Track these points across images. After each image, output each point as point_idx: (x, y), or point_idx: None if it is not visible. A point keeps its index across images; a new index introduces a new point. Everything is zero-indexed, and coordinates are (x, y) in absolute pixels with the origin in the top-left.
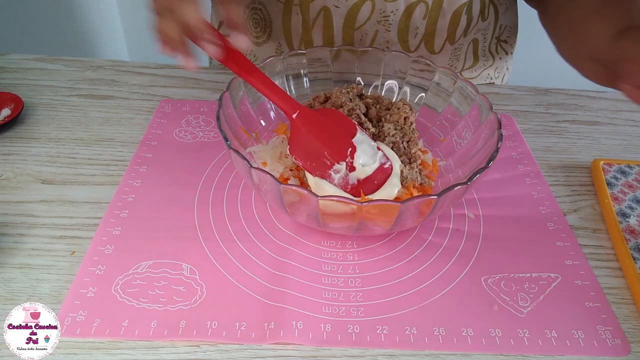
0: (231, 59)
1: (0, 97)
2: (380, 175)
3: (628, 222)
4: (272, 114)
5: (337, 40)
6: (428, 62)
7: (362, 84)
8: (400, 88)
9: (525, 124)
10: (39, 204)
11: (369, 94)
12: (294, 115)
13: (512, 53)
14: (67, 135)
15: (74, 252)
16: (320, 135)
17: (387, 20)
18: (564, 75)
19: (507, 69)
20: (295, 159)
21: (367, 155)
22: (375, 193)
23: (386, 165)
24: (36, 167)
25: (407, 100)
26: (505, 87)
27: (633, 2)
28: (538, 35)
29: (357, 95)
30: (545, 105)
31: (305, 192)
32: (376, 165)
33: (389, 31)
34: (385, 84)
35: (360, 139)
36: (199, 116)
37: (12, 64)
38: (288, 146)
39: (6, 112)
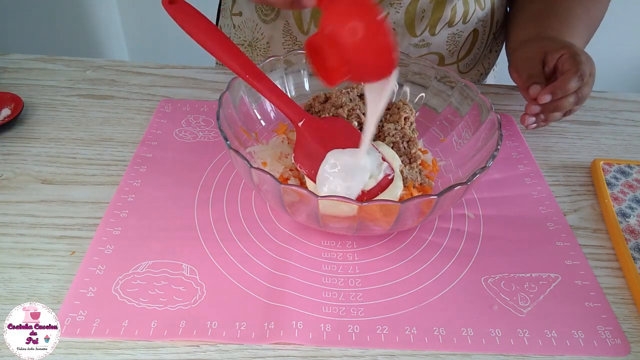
0: (239, 64)
1: (0, 97)
2: (384, 186)
3: (628, 222)
4: (272, 114)
5: None
6: (428, 61)
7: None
8: (400, 87)
9: None
10: (39, 204)
11: None
12: (300, 124)
13: (498, 51)
14: (67, 135)
15: (74, 252)
16: (325, 144)
17: (400, 4)
18: None
19: (496, 65)
20: (300, 168)
21: (372, 167)
22: (379, 195)
23: (390, 177)
24: (36, 167)
25: (407, 100)
26: (505, 87)
27: (550, 18)
28: None
29: (358, 95)
30: None
31: (305, 192)
32: (381, 176)
33: (398, 13)
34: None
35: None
36: (199, 116)
37: (12, 64)
38: (293, 154)
39: (6, 112)
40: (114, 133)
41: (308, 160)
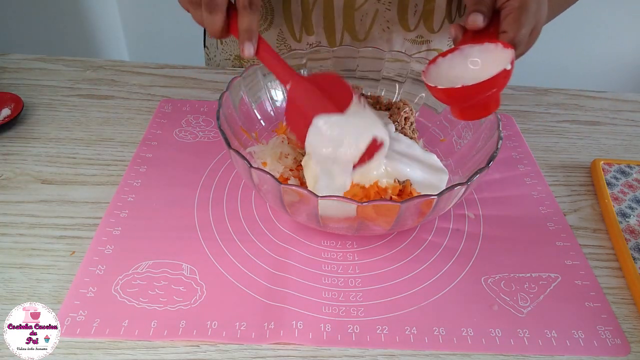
0: (234, 27)
1: (0, 97)
2: (372, 150)
3: (628, 222)
4: (272, 113)
5: (337, 22)
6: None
7: (362, 87)
8: (400, 87)
9: (525, 124)
10: (39, 204)
11: (368, 94)
12: (288, 87)
13: None
14: (67, 135)
15: (74, 252)
16: (314, 106)
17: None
18: (564, 75)
19: None
20: (291, 131)
21: (363, 130)
22: (364, 166)
23: (379, 142)
24: (36, 167)
25: (407, 100)
26: (505, 87)
27: None
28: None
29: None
30: (545, 105)
31: (305, 192)
32: (369, 138)
33: (389, 10)
34: (386, 83)
35: (355, 109)
36: (199, 116)
37: (12, 64)
38: (285, 117)
39: (6, 112)
40: (114, 133)
41: (298, 124)
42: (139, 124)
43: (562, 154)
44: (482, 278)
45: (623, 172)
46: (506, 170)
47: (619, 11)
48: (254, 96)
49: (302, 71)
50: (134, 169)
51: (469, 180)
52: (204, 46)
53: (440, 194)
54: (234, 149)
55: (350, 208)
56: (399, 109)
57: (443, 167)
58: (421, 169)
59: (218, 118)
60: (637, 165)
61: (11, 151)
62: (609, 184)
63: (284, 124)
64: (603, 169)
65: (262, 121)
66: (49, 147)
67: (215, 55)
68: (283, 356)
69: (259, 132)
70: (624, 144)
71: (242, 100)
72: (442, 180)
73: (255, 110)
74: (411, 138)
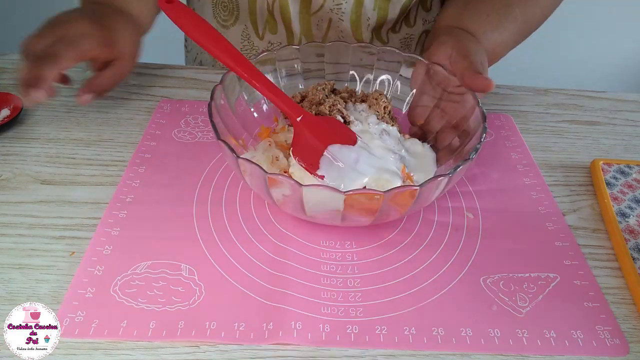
0: (240, 65)
1: None
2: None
3: (627, 222)
4: (254, 114)
5: (294, 24)
6: (420, 58)
7: (358, 79)
8: (392, 84)
9: (525, 124)
10: (39, 204)
11: (349, 87)
12: (299, 119)
13: None
14: (66, 136)
15: (73, 252)
16: (323, 137)
17: (340, 9)
18: (564, 75)
19: None
20: (299, 161)
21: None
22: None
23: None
24: (36, 167)
25: (398, 95)
26: (505, 87)
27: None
28: (536, 36)
29: (331, 91)
30: (545, 105)
31: (291, 181)
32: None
33: (342, 21)
34: (378, 79)
35: (362, 146)
36: (198, 116)
37: (12, 64)
38: (291, 149)
39: (6, 112)
40: (113, 133)
41: (306, 153)
42: (138, 124)
43: (562, 154)
44: (481, 278)
45: (622, 172)
46: (505, 170)
47: (619, 11)
48: (250, 95)
49: (296, 66)
50: (133, 169)
51: (450, 172)
52: (185, 47)
53: (422, 184)
54: (222, 140)
55: (337, 198)
56: (376, 99)
57: (428, 149)
58: (410, 156)
59: (210, 113)
60: (637, 165)
61: (10, 151)
62: (608, 184)
63: (266, 127)
64: (602, 169)
65: (254, 113)
66: (48, 148)
67: (198, 54)
68: (282, 356)
69: (245, 139)
70: (624, 144)
71: (239, 100)
72: (430, 164)
73: (252, 109)
74: (392, 125)
